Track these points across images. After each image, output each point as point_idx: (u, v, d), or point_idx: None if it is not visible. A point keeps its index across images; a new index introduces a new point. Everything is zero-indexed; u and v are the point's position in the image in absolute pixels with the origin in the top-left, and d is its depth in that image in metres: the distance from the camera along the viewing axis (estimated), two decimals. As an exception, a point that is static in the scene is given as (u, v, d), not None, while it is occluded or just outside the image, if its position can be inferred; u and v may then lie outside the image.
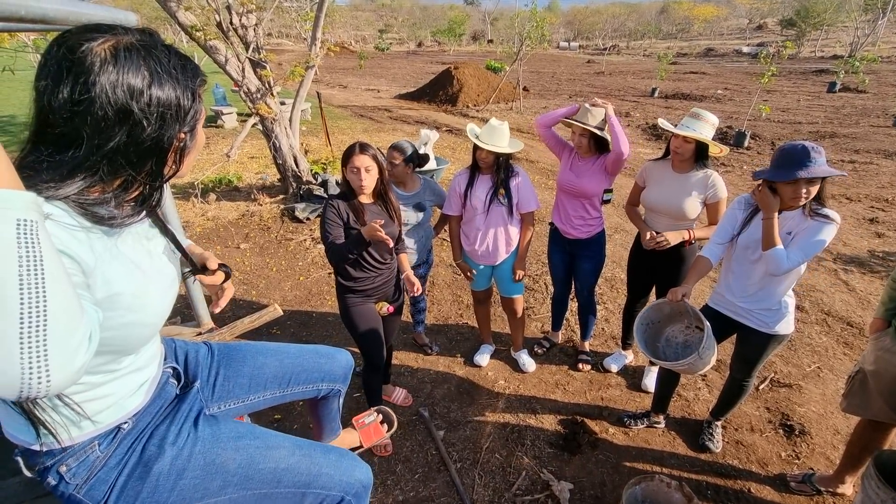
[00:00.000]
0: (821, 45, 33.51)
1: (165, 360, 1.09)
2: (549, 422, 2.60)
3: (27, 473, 0.86)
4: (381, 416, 1.83)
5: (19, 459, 0.86)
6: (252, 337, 2.84)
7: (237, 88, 5.18)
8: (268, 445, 1.06)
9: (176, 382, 1.10)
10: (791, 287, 2.03)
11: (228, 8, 4.79)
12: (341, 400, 1.55)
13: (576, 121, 2.47)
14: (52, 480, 0.86)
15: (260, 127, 5.51)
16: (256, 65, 5.10)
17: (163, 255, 0.92)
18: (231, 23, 4.84)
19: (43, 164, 0.68)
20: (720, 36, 58.72)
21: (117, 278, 0.76)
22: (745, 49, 34.82)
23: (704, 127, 2.28)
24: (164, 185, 0.85)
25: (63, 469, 0.86)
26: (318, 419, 1.57)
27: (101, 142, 0.69)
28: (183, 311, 3.03)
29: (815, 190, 1.79)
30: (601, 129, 2.46)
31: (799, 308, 3.68)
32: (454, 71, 14.68)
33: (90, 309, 0.65)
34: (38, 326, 0.51)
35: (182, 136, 0.80)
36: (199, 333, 2.53)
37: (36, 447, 0.83)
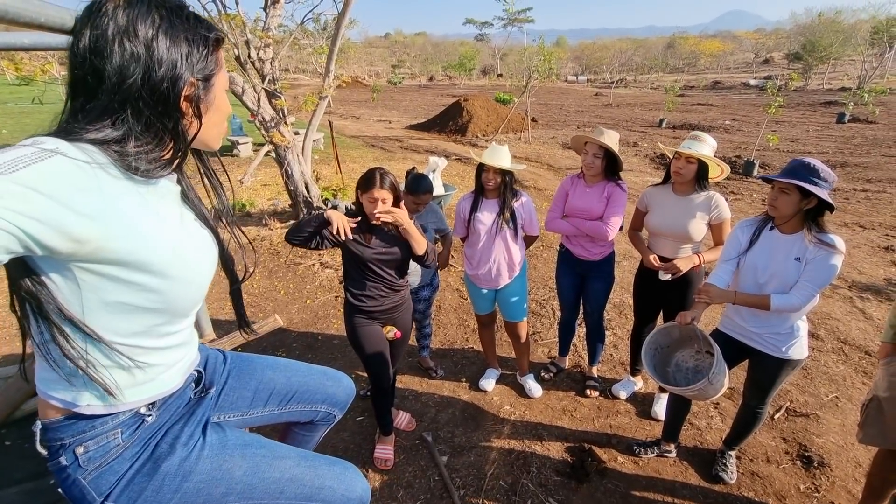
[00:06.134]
0: (828, 78, 33.82)
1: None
2: (556, 449, 2.53)
3: (40, 449, 0.83)
4: None
5: (37, 431, 0.83)
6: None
7: (253, 119, 5.36)
8: (274, 455, 1.05)
9: (194, 385, 1.08)
10: (804, 312, 1.99)
11: (247, 43, 5.03)
12: (326, 431, 1.47)
13: (592, 139, 2.48)
14: (63, 461, 0.83)
15: (273, 154, 5.67)
16: (272, 95, 5.30)
17: (196, 221, 0.95)
18: (249, 56, 5.07)
19: (78, 111, 0.74)
20: (727, 70, 59.59)
21: (145, 228, 0.78)
22: (752, 82, 35.23)
23: (704, 148, 2.31)
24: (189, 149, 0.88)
25: (80, 451, 0.82)
26: (292, 442, 1.42)
27: (117, 83, 0.73)
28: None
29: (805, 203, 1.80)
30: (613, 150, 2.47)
31: (814, 336, 3.59)
32: (464, 102, 15.05)
33: None
34: None
35: (194, 81, 0.81)
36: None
37: (79, 409, 0.81)
